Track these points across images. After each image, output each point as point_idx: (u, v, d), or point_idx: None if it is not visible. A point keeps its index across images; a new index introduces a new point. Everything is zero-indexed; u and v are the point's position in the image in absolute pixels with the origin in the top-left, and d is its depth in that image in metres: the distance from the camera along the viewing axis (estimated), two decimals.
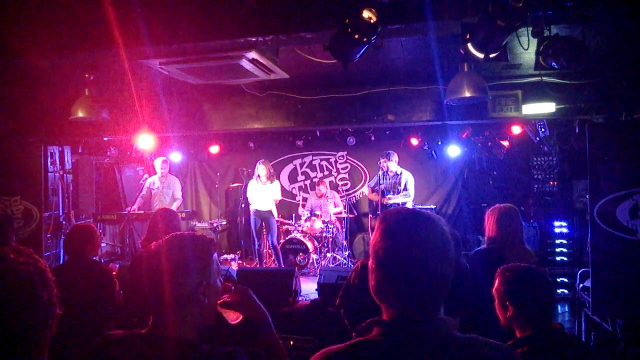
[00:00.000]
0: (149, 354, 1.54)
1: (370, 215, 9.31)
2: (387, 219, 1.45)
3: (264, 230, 8.58)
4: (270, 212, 8.38)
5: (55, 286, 1.29)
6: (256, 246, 8.63)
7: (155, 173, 8.79)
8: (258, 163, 8.40)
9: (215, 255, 1.73)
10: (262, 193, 8.32)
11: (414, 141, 9.30)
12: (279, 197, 8.50)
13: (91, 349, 1.61)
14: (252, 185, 8.46)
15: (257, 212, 8.41)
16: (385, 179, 8.20)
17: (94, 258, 4.20)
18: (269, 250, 8.79)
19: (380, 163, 8.20)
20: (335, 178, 10.64)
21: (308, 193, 10.39)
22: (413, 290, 1.36)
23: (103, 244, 8.19)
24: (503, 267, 2.48)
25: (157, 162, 8.73)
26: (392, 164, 8.07)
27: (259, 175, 8.32)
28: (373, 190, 8.38)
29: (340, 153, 10.61)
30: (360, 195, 10.54)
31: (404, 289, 1.37)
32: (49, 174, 6.79)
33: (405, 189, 8.02)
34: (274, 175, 8.56)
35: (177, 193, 8.74)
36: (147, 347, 1.55)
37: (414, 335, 1.32)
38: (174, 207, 8.52)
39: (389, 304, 1.40)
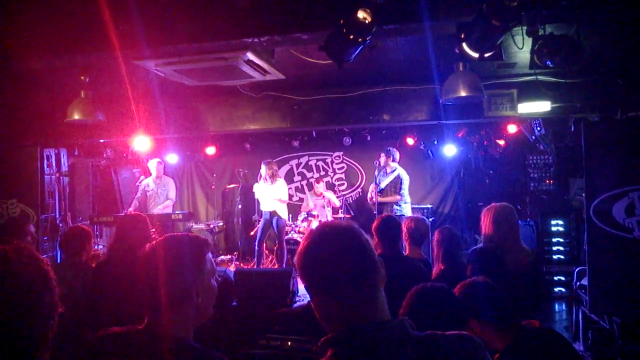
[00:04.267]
0: (143, 351, 1.56)
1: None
2: (309, 235, 1.45)
3: (271, 230, 8.54)
4: (275, 212, 8.31)
5: (57, 286, 1.30)
6: (256, 247, 8.61)
7: (151, 175, 8.79)
8: (262, 163, 8.40)
9: (210, 255, 1.74)
10: (266, 193, 8.30)
11: (410, 141, 9.30)
12: (283, 197, 8.38)
13: (90, 343, 1.63)
14: (258, 186, 8.44)
15: (265, 212, 8.41)
16: (383, 177, 8.20)
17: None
18: (266, 252, 8.78)
19: (377, 162, 8.20)
20: (332, 178, 10.64)
21: (304, 193, 10.38)
22: (339, 297, 1.35)
23: (100, 246, 8.17)
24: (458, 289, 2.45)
25: (152, 164, 8.73)
26: (391, 161, 8.10)
27: (262, 176, 8.32)
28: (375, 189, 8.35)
29: (337, 153, 10.62)
30: (357, 195, 10.56)
31: (331, 298, 1.36)
32: (45, 176, 6.77)
33: (397, 187, 8.04)
34: (277, 175, 8.53)
35: (171, 194, 8.75)
36: (142, 343, 1.57)
37: (365, 347, 1.29)
38: (161, 207, 8.55)
39: (328, 324, 1.38)
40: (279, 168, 10.67)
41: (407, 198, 8.17)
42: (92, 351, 1.62)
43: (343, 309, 1.34)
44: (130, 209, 8.17)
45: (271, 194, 8.24)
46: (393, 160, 8.17)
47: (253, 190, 8.53)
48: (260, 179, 8.42)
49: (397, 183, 8.06)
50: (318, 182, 9.53)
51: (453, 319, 2.22)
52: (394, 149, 8.26)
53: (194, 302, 1.64)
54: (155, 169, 8.67)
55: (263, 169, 8.28)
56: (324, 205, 9.27)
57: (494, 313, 2.33)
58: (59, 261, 6.84)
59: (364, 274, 1.36)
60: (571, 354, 2.37)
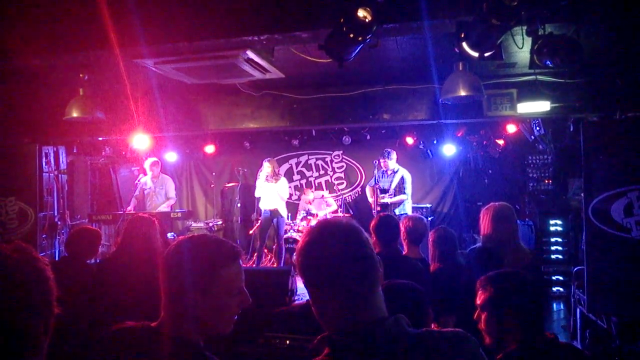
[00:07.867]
0: (150, 348, 1.55)
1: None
2: (309, 232, 1.44)
3: (270, 229, 8.56)
4: (276, 210, 8.35)
5: (54, 285, 1.27)
6: (257, 245, 8.62)
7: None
8: (264, 161, 8.40)
9: (240, 262, 1.69)
10: (268, 192, 8.31)
11: (410, 140, 9.31)
12: (286, 195, 8.47)
13: (103, 335, 1.62)
14: (259, 183, 8.45)
15: (265, 211, 8.41)
16: (383, 177, 8.24)
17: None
18: (265, 250, 8.78)
19: (377, 162, 8.23)
20: (331, 177, 10.65)
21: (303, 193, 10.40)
22: (338, 295, 1.34)
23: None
24: (484, 279, 2.35)
25: (147, 164, 8.70)
26: (391, 163, 8.13)
27: (267, 174, 8.32)
28: (373, 189, 8.39)
29: (336, 152, 10.62)
30: (356, 195, 10.56)
31: (326, 294, 1.36)
32: (44, 174, 6.75)
33: (402, 187, 8.07)
34: (279, 173, 8.55)
35: (170, 192, 8.72)
36: (150, 340, 1.56)
37: (362, 345, 1.28)
38: (165, 206, 8.52)
39: (326, 321, 1.38)
40: (279, 167, 10.71)
41: (410, 197, 8.22)
42: (105, 343, 1.60)
43: (342, 307, 1.34)
44: (129, 208, 8.15)
45: (275, 192, 8.26)
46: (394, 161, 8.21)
47: (256, 188, 8.51)
48: (264, 177, 8.38)
49: (401, 183, 8.10)
50: (306, 191, 9.62)
51: (416, 316, 2.21)
52: (392, 150, 8.29)
53: (189, 310, 1.58)
54: (149, 169, 8.64)
55: (267, 167, 8.27)
56: (321, 204, 9.29)
57: (528, 305, 2.23)
58: (57, 259, 6.84)
59: (364, 272, 1.35)
60: None
